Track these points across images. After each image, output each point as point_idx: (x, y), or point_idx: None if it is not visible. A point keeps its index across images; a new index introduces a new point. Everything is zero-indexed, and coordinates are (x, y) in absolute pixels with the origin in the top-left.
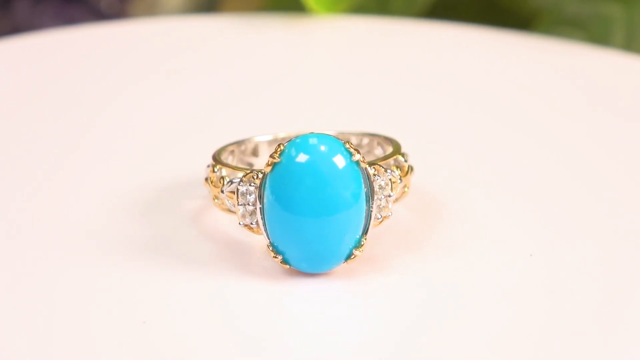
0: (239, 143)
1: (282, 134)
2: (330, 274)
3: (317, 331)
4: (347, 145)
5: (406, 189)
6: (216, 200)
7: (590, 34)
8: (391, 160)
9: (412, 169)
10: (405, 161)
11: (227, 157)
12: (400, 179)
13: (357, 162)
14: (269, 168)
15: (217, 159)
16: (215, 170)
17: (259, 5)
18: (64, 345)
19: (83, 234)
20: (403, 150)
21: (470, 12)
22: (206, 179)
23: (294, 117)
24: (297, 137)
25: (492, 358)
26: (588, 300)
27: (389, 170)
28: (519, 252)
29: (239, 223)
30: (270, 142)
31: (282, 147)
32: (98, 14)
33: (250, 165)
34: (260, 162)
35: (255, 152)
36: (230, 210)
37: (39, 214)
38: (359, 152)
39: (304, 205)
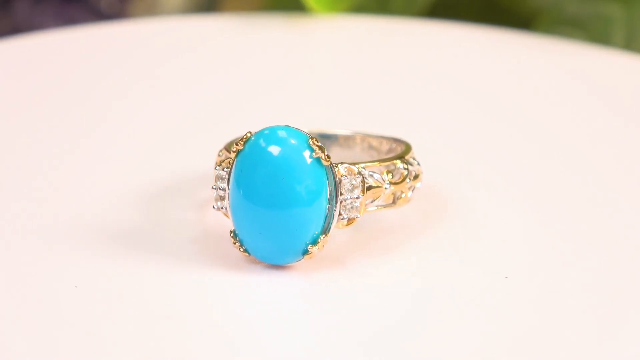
0: None
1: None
2: (291, 268)
3: (252, 324)
4: (311, 142)
5: (403, 195)
6: None
7: (590, 34)
8: (390, 165)
9: (414, 177)
10: (405, 168)
11: None
12: (388, 184)
13: (318, 159)
14: (234, 154)
15: (227, 147)
16: (220, 154)
17: (259, 5)
18: (59, 335)
19: (84, 230)
20: (409, 157)
21: (470, 12)
22: None
23: (294, 117)
24: (265, 128)
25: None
26: (588, 302)
27: (374, 175)
28: (517, 255)
29: (213, 206)
30: None
31: (248, 135)
32: (98, 14)
33: None
34: None
35: None
36: None
37: (40, 213)
38: (321, 150)
39: (258, 195)
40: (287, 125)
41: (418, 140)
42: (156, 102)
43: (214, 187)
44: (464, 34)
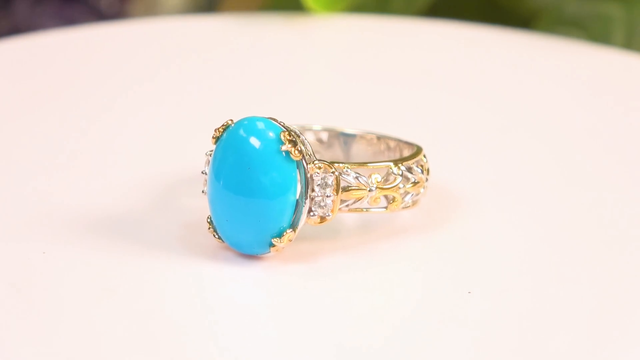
0: None
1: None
2: (261, 260)
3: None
4: (282, 136)
5: (396, 200)
6: None
7: (590, 34)
8: (386, 168)
9: (412, 183)
10: (399, 174)
11: None
12: (374, 187)
13: (287, 153)
14: (213, 140)
15: None
16: None
17: (259, 5)
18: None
19: (84, 227)
20: (411, 163)
21: (470, 12)
22: None
23: (294, 116)
24: (246, 117)
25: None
26: (591, 303)
27: (360, 177)
28: (518, 256)
29: (202, 191)
30: None
31: (229, 123)
32: (98, 14)
33: None
34: None
35: None
36: None
37: (38, 212)
38: (292, 144)
39: (226, 182)
40: (267, 117)
41: (417, 140)
42: (156, 102)
43: (203, 171)
44: (464, 34)
